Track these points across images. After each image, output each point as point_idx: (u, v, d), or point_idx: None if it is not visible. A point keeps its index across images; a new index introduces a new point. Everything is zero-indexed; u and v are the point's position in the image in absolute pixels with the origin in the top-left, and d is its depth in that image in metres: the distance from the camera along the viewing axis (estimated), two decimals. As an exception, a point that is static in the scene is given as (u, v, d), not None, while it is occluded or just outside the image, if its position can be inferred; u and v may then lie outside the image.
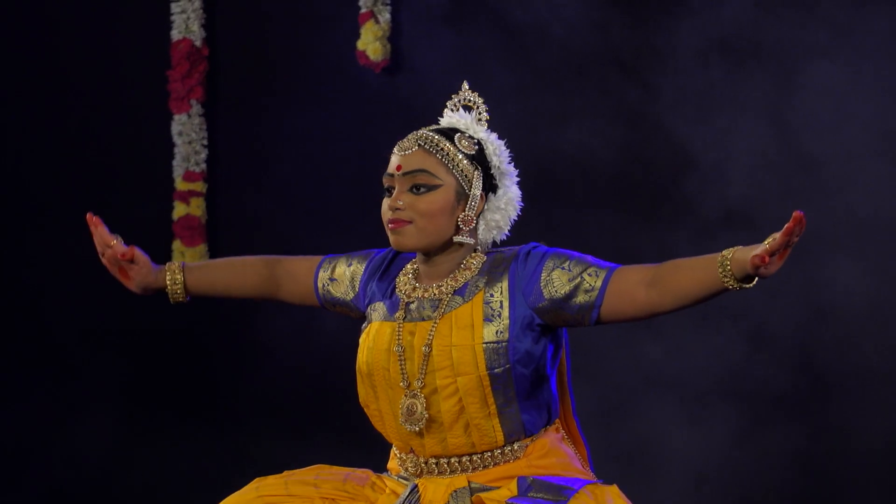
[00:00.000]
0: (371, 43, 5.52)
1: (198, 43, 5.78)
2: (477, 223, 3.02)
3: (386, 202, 3.01)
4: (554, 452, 3.00)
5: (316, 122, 5.65)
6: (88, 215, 3.17)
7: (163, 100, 5.79)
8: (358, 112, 5.58)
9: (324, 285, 3.19)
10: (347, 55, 5.56)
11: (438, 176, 2.98)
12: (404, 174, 2.99)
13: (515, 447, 2.98)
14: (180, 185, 5.81)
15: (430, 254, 3.02)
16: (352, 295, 3.14)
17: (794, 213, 2.63)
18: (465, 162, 3.00)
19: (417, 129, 3.03)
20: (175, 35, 5.79)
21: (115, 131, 5.84)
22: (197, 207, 5.80)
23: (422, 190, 2.97)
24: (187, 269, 3.23)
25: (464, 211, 2.99)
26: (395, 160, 3.02)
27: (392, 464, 3.10)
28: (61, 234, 5.81)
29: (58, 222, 5.85)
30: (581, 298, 2.89)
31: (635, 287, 2.85)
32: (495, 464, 2.97)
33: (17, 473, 5.84)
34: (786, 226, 2.65)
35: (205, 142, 5.81)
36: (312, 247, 5.50)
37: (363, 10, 5.55)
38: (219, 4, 5.79)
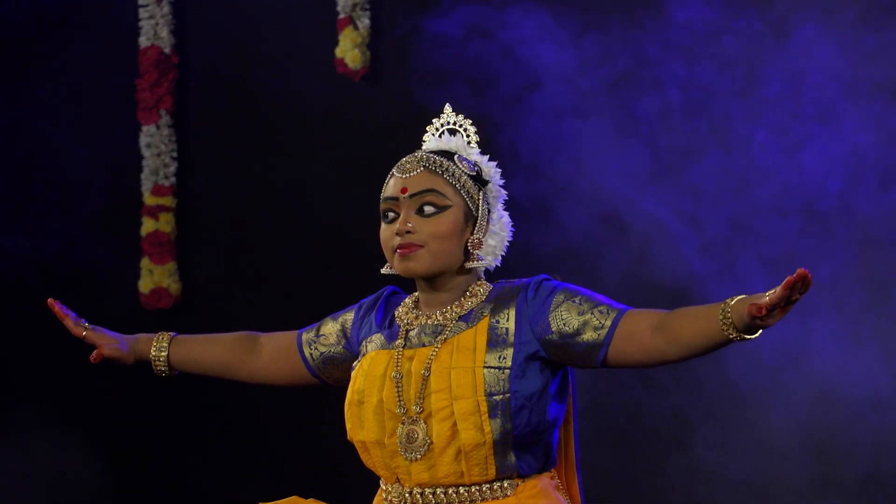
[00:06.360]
0: (350, 50, 5.49)
1: (167, 50, 5.78)
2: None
3: (387, 229, 2.97)
4: (545, 494, 2.94)
5: (292, 134, 5.62)
6: (50, 301, 3.18)
7: (130, 110, 5.76)
8: (336, 123, 5.55)
9: (310, 343, 3.15)
10: (325, 63, 5.52)
11: (447, 196, 2.95)
12: (411, 196, 2.95)
13: (506, 485, 2.93)
14: (149, 199, 5.79)
15: (434, 281, 2.98)
16: (343, 342, 3.12)
17: (797, 270, 2.59)
18: (471, 182, 2.98)
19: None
20: (143, 42, 5.80)
21: (80, 143, 5.79)
22: (166, 223, 5.77)
23: (432, 211, 2.94)
24: (174, 342, 3.23)
25: (472, 234, 2.97)
26: (397, 183, 2.97)
27: (377, 500, 3.03)
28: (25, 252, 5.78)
29: (22, 240, 5.80)
30: (589, 336, 2.87)
31: (644, 331, 2.83)
32: (482, 499, 2.92)
33: None
34: (787, 279, 2.61)
35: (174, 154, 5.81)
36: (288, 264, 5.49)
37: (341, 16, 5.53)
38: (189, 9, 5.79)
